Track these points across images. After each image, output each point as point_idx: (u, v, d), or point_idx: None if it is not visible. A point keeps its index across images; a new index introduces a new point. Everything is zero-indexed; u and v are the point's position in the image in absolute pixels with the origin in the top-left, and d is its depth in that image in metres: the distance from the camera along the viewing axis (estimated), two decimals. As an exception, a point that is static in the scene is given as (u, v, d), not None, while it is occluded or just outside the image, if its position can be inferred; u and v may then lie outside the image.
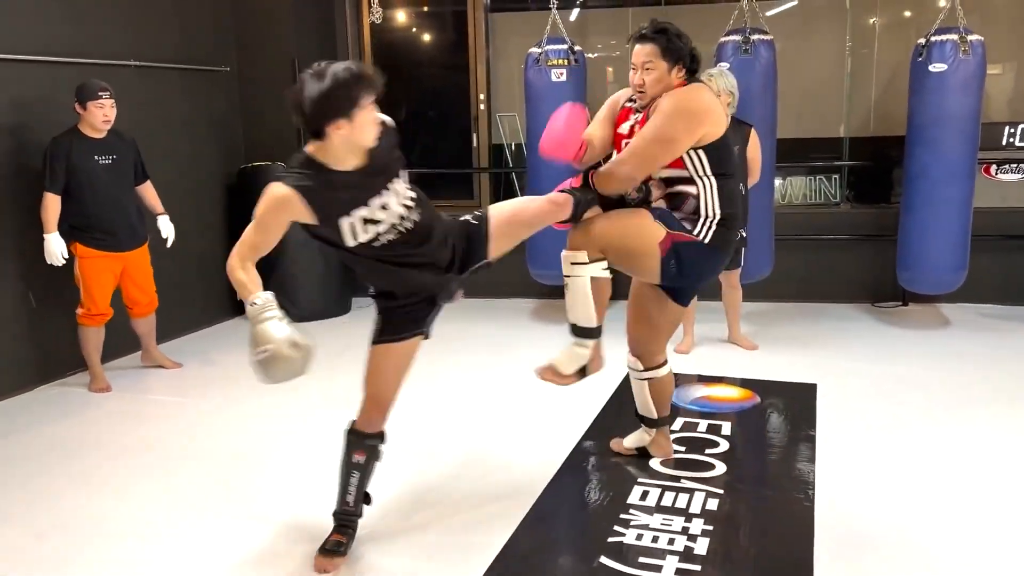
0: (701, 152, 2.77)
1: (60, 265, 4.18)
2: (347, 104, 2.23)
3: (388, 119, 2.48)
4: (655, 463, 3.23)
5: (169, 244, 4.63)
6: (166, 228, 4.60)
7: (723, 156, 2.83)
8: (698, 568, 2.50)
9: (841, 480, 3.10)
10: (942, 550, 2.61)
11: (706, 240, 2.81)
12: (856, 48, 5.94)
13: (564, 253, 2.89)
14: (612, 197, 2.85)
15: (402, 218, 2.43)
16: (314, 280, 5.75)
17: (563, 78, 5.25)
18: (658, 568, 2.50)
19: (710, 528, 2.73)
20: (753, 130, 4.41)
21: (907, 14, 5.97)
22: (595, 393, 4.06)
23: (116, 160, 4.30)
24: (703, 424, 3.65)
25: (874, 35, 5.95)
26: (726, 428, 3.60)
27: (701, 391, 4.05)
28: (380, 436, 2.66)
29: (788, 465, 3.25)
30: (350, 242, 2.38)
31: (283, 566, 2.62)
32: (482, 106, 6.42)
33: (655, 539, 2.67)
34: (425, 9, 6.73)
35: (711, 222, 2.81)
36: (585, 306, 2.85)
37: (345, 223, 2.35)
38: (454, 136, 6.67)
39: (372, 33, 6.50)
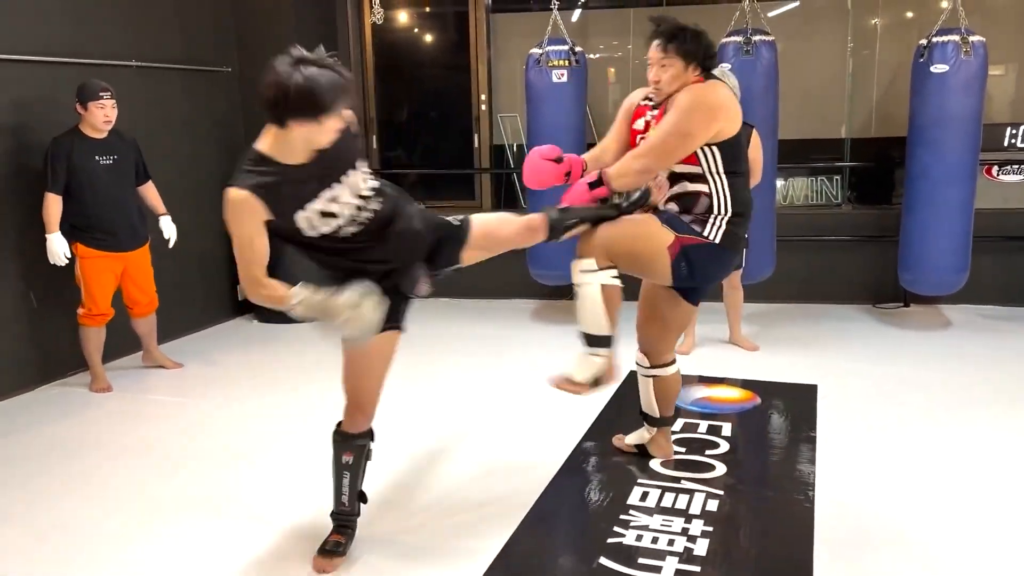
0: (715, 148, 2.78)
1: (63, 265, 4.18)
2: (322, 107, 2.20)
3: (351, 116, 2.43)
4: (655, 464, 3.23)
5: (171, 245, 4.63)
6: (168, 229, 4.60)
7: (736, 154, 2.84)
8: (698, 569, 2.50)
9: (842, 481, 3.10)
10: (942, 551, 2.61)
11: (716, 240, 2.81)
12: (858, 49, 5.94)
13: (573, 262, 2.89)
14: (611, 214, 2.83)
15: (359, 209, 2.39)
16: (315, 281, 5.74)
17: (564, 79, 5.25)
18: (658, 569, 2.50)
19: (710, 529, 2.73)
20: (755, 131, 4.40)
21: (909, 15, 5.97)
22: (596, 394, 4.05)
23: (117, 160, 4.30)
24: (703, 425, 3.65)
25: (876, 36, 5.95)
26: (727, 429, 3.60)
27: (702, 392, 4.05)
28: (368, 435, 2.64)
29: (788, 466, 3.24)
30: (310, 233, 2.34)
31: (283, 566, 2.62)
32: (483, 106, 6.42)
33: (655, 540, 2.67)
34: (426, 9, 6.73)
35: (721, 220, 2.82)
36: (596, 314, 2.84)
37: (301, 217, 2.31)
38: (455, 136, 6.67)
39: (373, 33, 6.51)
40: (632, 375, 4.26)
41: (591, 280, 2.82)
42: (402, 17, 6.67)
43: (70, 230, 4.20)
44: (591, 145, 5.74)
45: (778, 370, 4.40)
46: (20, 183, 4.33)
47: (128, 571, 2.64)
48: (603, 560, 2.55)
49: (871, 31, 5.95)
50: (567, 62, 5.25)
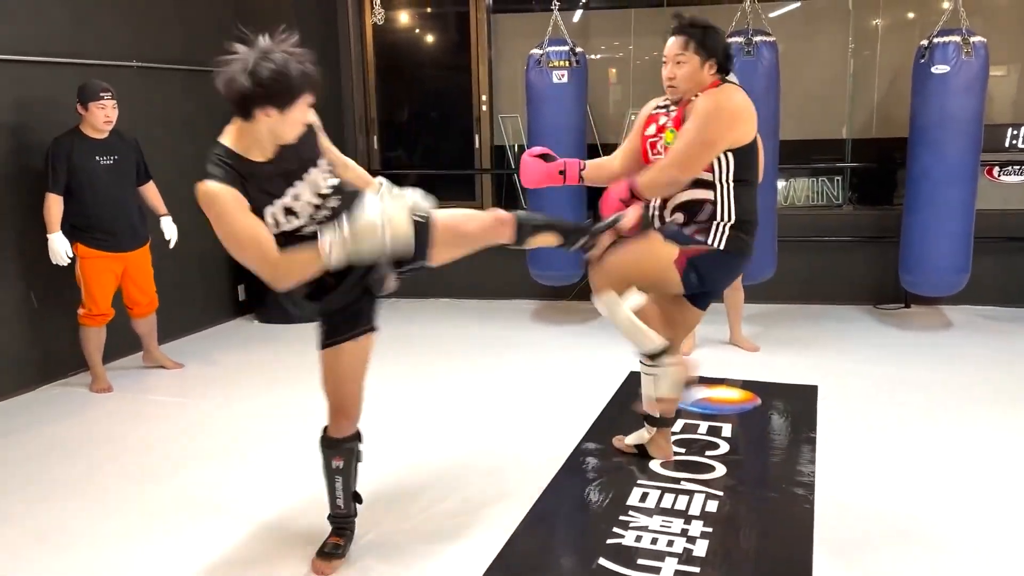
0: (730, 155, 2.79)
1: (65, 265, 4.19)
2: (285, 96, 2.18)
3: (314, 118, 2.42)
4: (655, 465, 3.23)
5: (172, 245, 4.64)
6: (169, 229, 4.60)
7: (749, 161, 2.85)
8: (697, 570, 2.49)
9: (842, 482, 3.09)
10: (943, 551, 2.60)
11: (721, 247, 2.82)
12: (859, 50, 5.93)
13: (594, 298, 2.93)
14: (584, 227, 2.83)
15: (317, 207, 2.37)
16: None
17: (564, 79, 5.25)
18: (657, 570, 2.50)
19: (709, 530, 2.72)
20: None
21: (910, 16, 5.96)
22: (596, 394, 4.06)
23: (117, 160, 4.30)
24: (704, 426, 3.65)
25: (877, 36, 5.94)
26: (727, 430, 3.60)
27: (702, 393, 4.04)
28: (355, 437, 2.62)
29: (789, 467, 3.24)
30: (274, 231, 2.31)
31: (284, 567, 2.62)
32: (484, 107, 6.42)
33: (654, 541, 2.66)
34: (427, 10, 6.73)
35: (725, 226, 2.82)
36: (641, 333, 2.86)
37: (268, 213, 2.29)
38: (456, 137, 6.67)
39: (374, 34, 6.51)
40: (633, 375, 4.26)
41: (617, 310, 2.84)
42: (403, 17, 6.67)
43: (70, 230, 4.20)
44: (591, 146, 5.84)
45: (778, 371, 4.39)
46: (21, 183, 4.33)
47: (128, 571, 2.64)
48: (602, 561, 2.55)
49: (872, 32, 5.95)
50: (567, 63, 5.25)
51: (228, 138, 2.29)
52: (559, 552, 2.73)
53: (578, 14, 6.28)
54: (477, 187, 6.54)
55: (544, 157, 3.10)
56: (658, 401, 3.04)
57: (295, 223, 2.35)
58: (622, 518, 2.82)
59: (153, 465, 3.46)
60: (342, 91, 6.35)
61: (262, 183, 2.27)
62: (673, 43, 2.83)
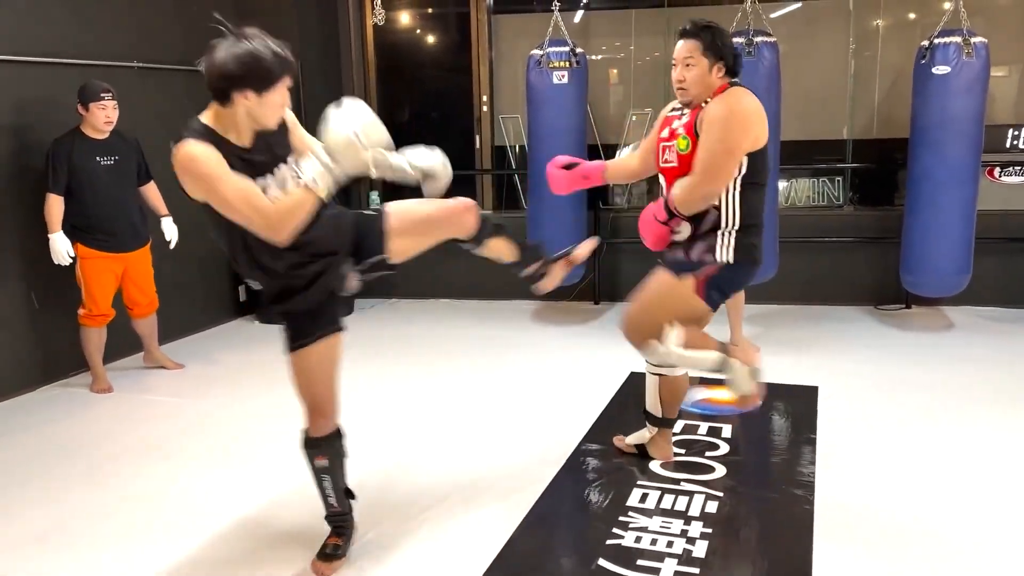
0: (744, 158, 2.80)
1: (67, 264, 4.19)
2: (262, 78, 2.17)
3: (290, 115, 2.41)
4: (655, 465, 3.23)
5: (172, 246, 4.64)
6: (169, 230, 4.60)
7: (762, 164, 2.87)
8: (696, 571, 2.49)
9: (842, 482, 3.09)
10: (943, 552, 2.60)
11: (731, 260, 2.83)
12: (860, 50, 5.93)
13: (645, 361, 3.07)
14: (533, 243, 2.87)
15: None
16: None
17: (564, 80, 5.25)
18: (656, 571, 2.50)
19: (709, 531, 2.72)
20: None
21: (911, 16, 5.96)
22: (596, 394, 4.06)
23: (118, 161, 4.31)
24: (704, 426, 3.64)
25: (878, 37, 5.94)
26: (727, 431, 3.60)
27: (702, 393, 4.03)
28: (336, 435, 2.60)
29: (789, 468, 3.24)
30: None
31: (284, 567, 2.62)
32: (485, 108, 6.42)
33: (654, 542, 2.66)
34: (428, 11, 6.73)
35: (729, 235, 2.83)
36: (701, 360, 2.88)
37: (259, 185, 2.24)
38: (456, 137, 6.67)
39: (375, 35, 6.51)
40: (633, 376, 4.26)
41: (669, 354, 2.86)
42: (403, 18, 6.68)
43: (71, 231, 4.21)
44: (592, 146, 5.84)
45: (779, 371, 4.38)
46: (22, 184, 4.34)
47: (129, 571, 2.64)
48: (602, 562, 2.55)
49: (873, 32, 5.95)
50: (568, 63, 5.25)
51: (206, 117, 2.28)
52: (559, 553, 2.73)
53: (579, 15, 6.28)
54: (478, 188, 6.54)
55: (568, 164, 3.20)
56: (739, 400, 3.01)
57: None
58: (622, 519, 2.82)
59: (153, 465, 3.46)
60: (342, 92, 6.35)
61: (238, 165, 2.23)
62: (682, 46, 2.85)
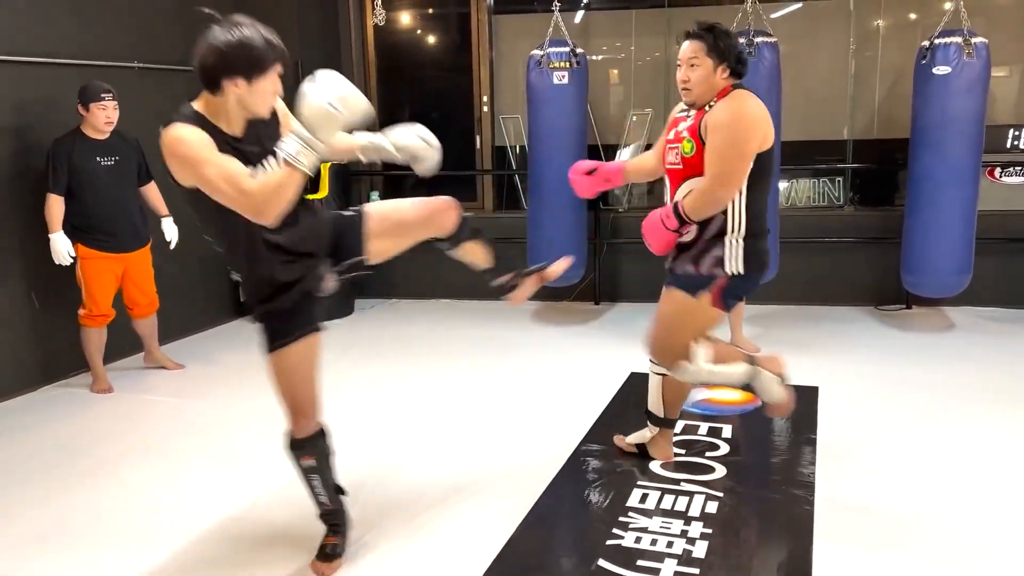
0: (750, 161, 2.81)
1: (68, 264, 4.19)
2: (252, 65, 2.16)
3: (281, 105, 2.40)
4: (655, 466, 3.23)
5: (173, 246, 4.64)
6: (170, 231, 4.60)
7: (767, 167, 2.87)
8: (696, 571, 2.49)
9: (842, 482, 3.09)
10: (944, 553, 2.60)
11: (740, 270, 2.84)
12: (860, 50, 5.93)
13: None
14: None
15: None
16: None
17: (565, 80, 5.25)
18: (656, 571, 2.49)
19: (709, 531, 2.72)
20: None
21: (911, 16, 5.95)
22: (596, 395, 4.06)
23: (118, 161, 4.31)
24: (704, 427, 3.64)
25: (878, 37, 5.94)
26: (727, 431, 3.59)
27: (703, 394, 4.04)
28: (320, 434, 2.58)
29: (789, 468, 3.24)
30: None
31: (286, 567, 2.62)
32: (485, 108, 6.43)
33: (654, 542, 2.66)
34: (428, 11, 6.73)
35: (737, 243, 2.84)
36: (731, 375, 2.95)
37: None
38: (457, 138, 6.67)
39: (375, 35, 6.51)
40: (633, 376, 4.26)
41: (700, 372, 2.91)
42: (404, 18, 6.68)
43: (71, 231, 4.21)
44: (592, 147, 5.83)
45: (779, 372, 4.38)
46: (23, 184, 4.34)
47: (129, 571, 2.64)
48: (602, 562, 2.55)
49: (873, 32, 5.94)
50: (568, 64, 5.25)
51: (197, 104, 2.26)
52: (559, 553, 2.72)
53: (579, 15, 6.28)
54: (478, 188, 6.54)
55: (589, 170, 3.26)
56: (771, 408, 3.08)
57: None
58: (622, 519, 2.81)
59: (154, 465, 3.46)
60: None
61: (228, 151, 2.20)
62: (687, 46, 2.86)
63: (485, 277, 2.87)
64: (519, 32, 6.35)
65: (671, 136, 2.96)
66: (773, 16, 5.61)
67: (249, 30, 2.16)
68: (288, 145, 2.10)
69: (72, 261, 4.20)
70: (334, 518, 2.66)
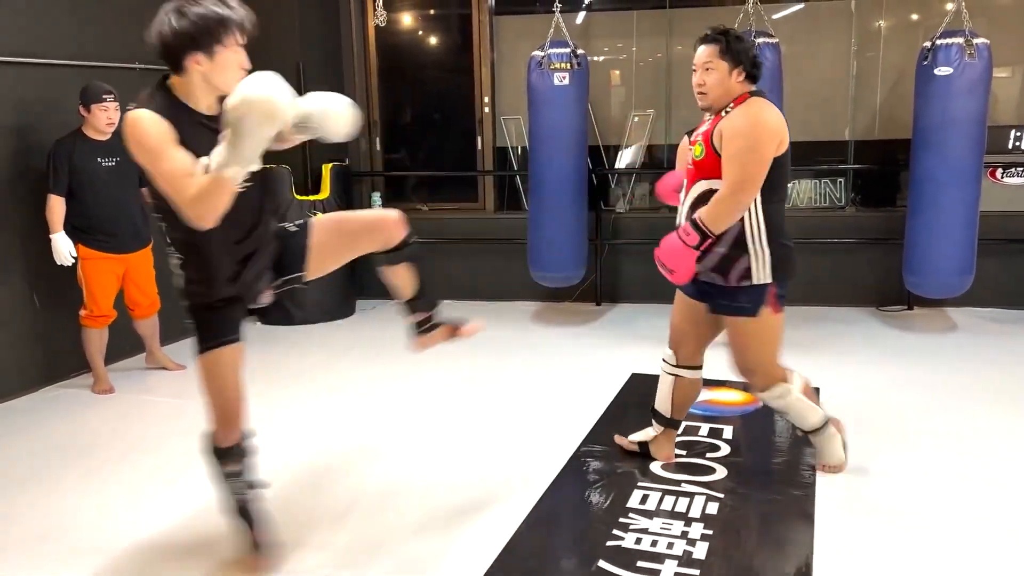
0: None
1: (69, 264, 4.19)
2: (208, 39, 2.13)
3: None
4: (656, 466, 3.22)
5: (173, 246, 4.64)
6: (170, 231, 4.60)
7: (781, 178, 2.89)
8: (697, 572, 2.49)
9: (842, 484, 3.08)
10: (944, 554, 2.59)
11: (770, 278, 2.87)
12: (862, 51, 5.92)
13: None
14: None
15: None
16: (318, 282, 5.72)
17: (565, 81, 5.25)
18: (656, 572, 2.49)
19: (710, 532, 2.72)
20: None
21: (913, 17, 5.95)
22: (597, 396, 4.06)
23: (119, 162, 4.31)
24: (705, 428, 3.64)
25: (880, 38, 5.93)
26: (728, 432, 3.59)
27: (704, 395, 4.03)
28: (242, 439, 2.55)
29: (789, 469, 3.23)
30: None
31: (288, 564, 2.62)
32: (486, 109, 6.42)
33: (654, 543, 2.66)
34: (430, 12, 6.73)
35: (763, 252, 2.85)
36: (812, 410, 3.07)
37: (202, 163, 2.12)
38: (458, 138, 6.68)
39: (376, 36, 6.51)
40: (634, 377, 4.26)
41: (791, 399, 3.02)
42: (405, 19, 6.68)
43: (72, 231, 4.22)
44: (592, 147, 5.83)
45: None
46: (23, 185, 4.34)
47: (130, 571, 2.64)
48: (602, 563, 2.54)
49: (875, 33, 5.94)
50: (569, 65, 5.25)
51: (172, 79, 2.23)
52: (559, 554, 2.72)
53: (580, 16, 6.28)
54: (479, 189, 6.54)
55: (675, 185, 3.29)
56: (825, 467, 3.13)
57: None
58: (622, 520, 2.81)
59: (155, 466, 3.46)
60: (344, 92, 6.34)
61: (191, 132, 2.17)
62: (703, 50, 2.86)
63: (403, 308, 2.78)
64: (520, 33, 6.34)
65: (686, 143, 2.99)
66: (775, 17, 5.61)
67: (202, 5, 2.12)
68: (215, 154, 2.07)
69: (73, 262, 4.20)
70: (251, 513, 2.60)
